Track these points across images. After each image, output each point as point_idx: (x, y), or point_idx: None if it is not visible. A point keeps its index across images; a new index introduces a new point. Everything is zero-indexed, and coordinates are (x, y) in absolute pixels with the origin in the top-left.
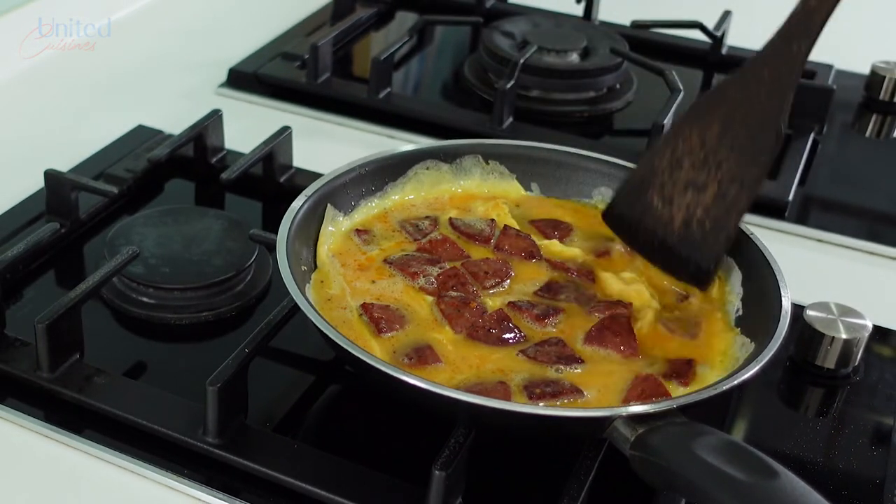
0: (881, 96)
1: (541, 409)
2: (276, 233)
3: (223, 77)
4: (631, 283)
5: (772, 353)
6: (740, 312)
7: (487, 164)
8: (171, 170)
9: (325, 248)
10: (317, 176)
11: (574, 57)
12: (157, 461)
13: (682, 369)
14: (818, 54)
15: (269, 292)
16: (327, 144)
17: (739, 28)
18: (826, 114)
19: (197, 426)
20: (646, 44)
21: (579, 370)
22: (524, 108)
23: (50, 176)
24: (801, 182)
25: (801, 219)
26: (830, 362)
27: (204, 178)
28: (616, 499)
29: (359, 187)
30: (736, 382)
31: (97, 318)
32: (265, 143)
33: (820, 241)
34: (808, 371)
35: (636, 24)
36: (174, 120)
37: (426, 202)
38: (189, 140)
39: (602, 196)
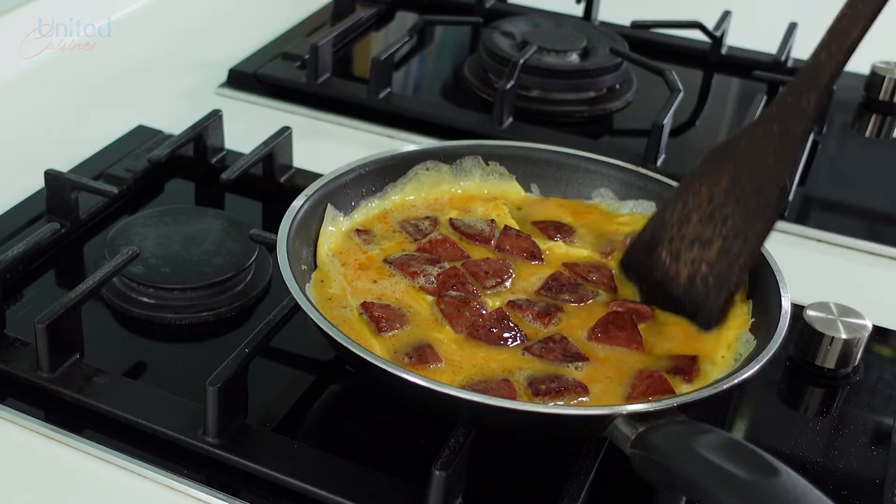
0: (881, 97)
1: (541, 407)
2: (276, 233)
3: (223, 77)
4: None
5: (771, 353)
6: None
7: (487, 165)
8: (171, 170)
9: (325, 248)
10: (317, 176)
11: (574, 57)
12: (157, 461)
13: (686, 366)
14: None
15: (270, 292)
16: (327, 144)
17: (739, 28)
18: (826, 114)
19: (197, 426)
20: (645, 44)
21: (583, 366)
22: (524, 109)
23: (50, 176)
24: (801, 182)
25: (801, 219)
26: (830, 362)
27: (204, 179)
28: (616, 499)
29: (359, 187)
30: (736, 381)
31: (97, 318)
32: (265, 143)
33: (820, 241)
34: (808, 371)
35: (636, 25)
36: (174, 120)
37: (426, 203)
38: (189, 140)
39: (602, 197)
